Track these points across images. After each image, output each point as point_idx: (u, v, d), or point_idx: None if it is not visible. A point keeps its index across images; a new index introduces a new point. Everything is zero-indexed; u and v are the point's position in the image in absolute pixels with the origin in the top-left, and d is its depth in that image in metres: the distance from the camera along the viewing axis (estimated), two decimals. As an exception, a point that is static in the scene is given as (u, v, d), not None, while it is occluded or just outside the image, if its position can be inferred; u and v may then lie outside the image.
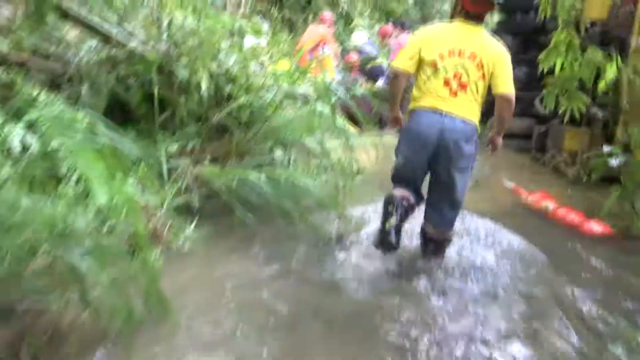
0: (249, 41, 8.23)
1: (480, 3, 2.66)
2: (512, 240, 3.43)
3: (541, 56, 3.76)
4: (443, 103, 2.61)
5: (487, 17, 2.98)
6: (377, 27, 8.78)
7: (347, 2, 9.03)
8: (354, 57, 7.16)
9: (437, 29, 2.78)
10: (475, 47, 2.61)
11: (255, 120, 3.59)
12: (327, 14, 8.00)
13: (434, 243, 2.90)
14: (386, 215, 2.68)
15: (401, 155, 2.79)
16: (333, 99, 4.30)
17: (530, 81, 6.83)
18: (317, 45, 7.61)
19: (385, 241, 2.64)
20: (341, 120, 6.68)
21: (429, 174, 2.80)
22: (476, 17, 2.67)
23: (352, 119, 5.78)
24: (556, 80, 3.69)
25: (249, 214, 2.87)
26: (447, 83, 2.60)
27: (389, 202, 2.71)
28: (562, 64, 3.69)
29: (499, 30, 7.03)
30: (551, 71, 4.19)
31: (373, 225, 3.49)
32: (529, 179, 5.17)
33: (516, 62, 6.51)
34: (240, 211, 2.87)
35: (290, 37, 8.53)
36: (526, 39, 6.60)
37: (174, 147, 3.32)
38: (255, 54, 7.47)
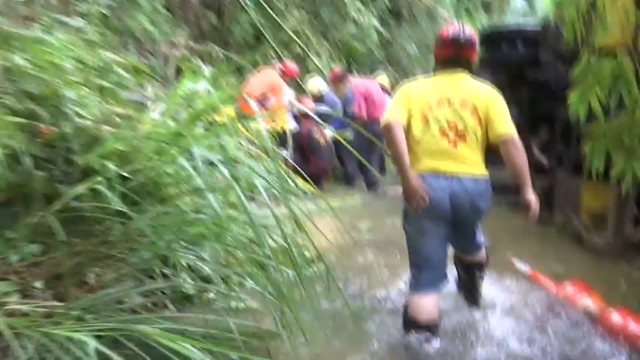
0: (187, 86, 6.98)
1: (447, 45, 2.41)
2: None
3: (573, 96, 2.58)
4: (445, 160, 2.31)
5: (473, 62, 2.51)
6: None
7: (303, 41, 7.93)
8: (309, 104, 5.93)
9: (420, 82, 2.51)
10: (463, 94, 2.36)
11: (141, 207, 2.21)
12: (292, 65, 6.82)
13: (473, 267, 2.69)
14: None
15: (422, 234, 2.41)
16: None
17: (520, 124, 5.73)
18: (264, 96, 6.41)
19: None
20: (293, 181, 5.37)
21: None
22: (454, 63, 2.41)
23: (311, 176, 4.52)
24: (606, 130, 2.50)
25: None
26: (443, 133, 2.33)
27: (413, 329, 2.35)
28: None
29: (480, 67, 5.99)
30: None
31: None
32: (543, 252, 3.92)
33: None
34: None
35: (237, 81, 7.34)
36: (513, 75, 5.53)
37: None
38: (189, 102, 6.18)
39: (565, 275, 3.37)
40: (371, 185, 6.04)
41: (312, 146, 5.70)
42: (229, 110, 6.62)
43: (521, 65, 5.30)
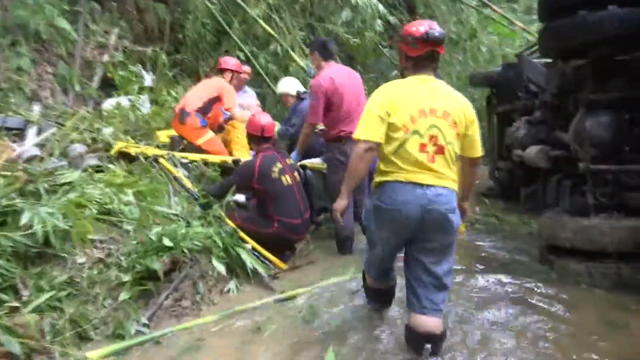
0: (109, 102, 5.00)
1: (422, 43, 2.23)
2: None
3: None
4: (423, 174, 2.20)
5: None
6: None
7: (284, 37, 5.87)
8: (263, 118, 3.74)
9: (399, 87, 2.32)
10: (446, 104, 2.25)
11: None
12: (230, 59, 4.79)
13: (432, 339, 2.25)
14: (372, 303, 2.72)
15: (379, 242, 2.38)
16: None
17: (617, 140, 3.51)
18: (210, 103, 4.37)
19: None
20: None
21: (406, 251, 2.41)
22: (429, 62, 2.29)
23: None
24: None
25: None
26: (422, 148, 2.21)
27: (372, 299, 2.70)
28: None
29: (540, 48, 3.88)
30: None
31: None
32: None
33: (586, 105, 3.36)
34: None
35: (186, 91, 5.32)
36: (600, 62, 3.35)
37: None
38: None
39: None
40: (341, 244, 3.83)
41: (274, 191, 3.57)
42: (162, 135, 4.42)
43: (613, 44, 3.16)
